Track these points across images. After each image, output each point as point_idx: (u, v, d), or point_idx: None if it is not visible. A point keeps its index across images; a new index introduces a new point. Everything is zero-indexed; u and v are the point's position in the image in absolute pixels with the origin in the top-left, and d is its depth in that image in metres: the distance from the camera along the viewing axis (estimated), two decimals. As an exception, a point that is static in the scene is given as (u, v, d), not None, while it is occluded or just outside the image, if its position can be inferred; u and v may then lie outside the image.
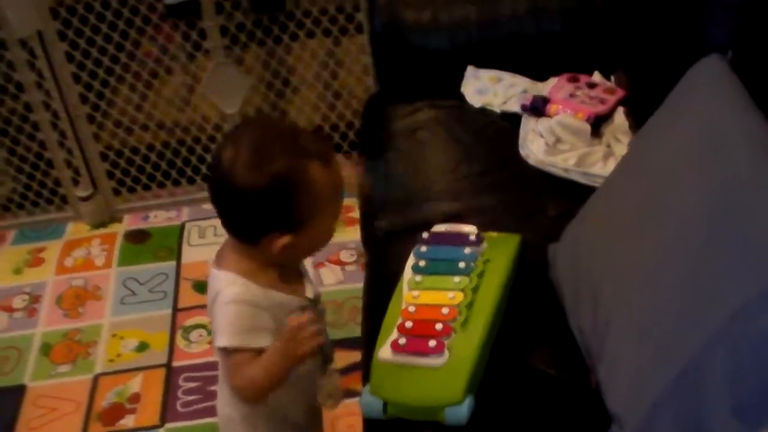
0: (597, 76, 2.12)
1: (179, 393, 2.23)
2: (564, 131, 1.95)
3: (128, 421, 2.18)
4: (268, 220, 1.32)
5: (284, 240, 1.33)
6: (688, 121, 1.36)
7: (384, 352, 1.43)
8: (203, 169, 2.82)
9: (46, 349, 2.41)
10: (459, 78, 2.23)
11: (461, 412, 1.35)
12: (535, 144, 1.96)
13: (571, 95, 2.03)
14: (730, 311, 1.05)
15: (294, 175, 1.30)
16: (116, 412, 2.20)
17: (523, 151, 1.98)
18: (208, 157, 2.75)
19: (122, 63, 2.63)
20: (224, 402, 1.54)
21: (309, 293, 1.45)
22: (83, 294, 2.58)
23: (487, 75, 2.19)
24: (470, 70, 2.21)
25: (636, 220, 1.34)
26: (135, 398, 2.23)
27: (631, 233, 1.33)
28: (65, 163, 2.77)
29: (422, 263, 1.56)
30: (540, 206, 1.83)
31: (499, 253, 1.57)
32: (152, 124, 2.79)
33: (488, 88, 2.17)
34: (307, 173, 1.30)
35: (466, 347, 1.40)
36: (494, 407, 1.40)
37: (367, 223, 1.95)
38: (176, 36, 2.67)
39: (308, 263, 1.78)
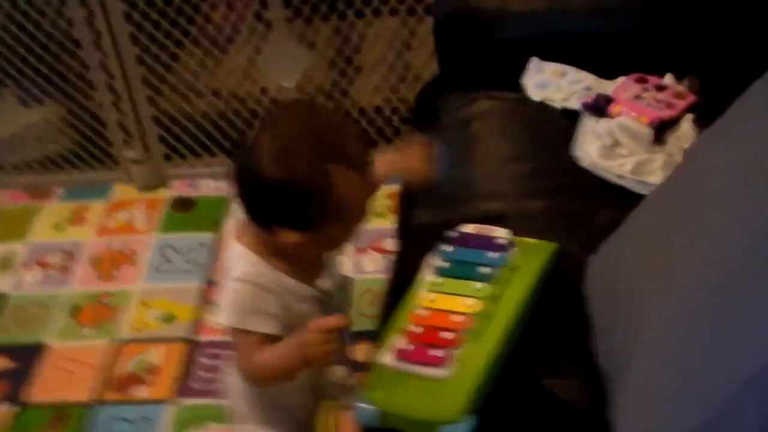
0: (668, 79, 1.95)
1: (198, 369, 2.16)
2: (624, 134, 1.80)
3: (142, 391, 2.12)
4: (280, 214, 1.26)
5: (294, 237, 1.26)
6: (741, 140, 1.20)
7: (387, 356, 1.32)
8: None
9: (75, 311, 2.37)
10: (522, 70, 2.08)
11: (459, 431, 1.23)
12: (591, 145, 1.82)
13: (637, 97, 1.88)
14: (764, 360, 0.91)
15: (314, 177, 1.22)
16: (132, 381, 2.15)
17: (577, 153, 1.83)
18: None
19: (182, 27, 2.54)
20: (232, 387, 1.48)
21: (324, 284, 1.37)
22: (119, 258, 2.53)
23: (551, 68, 2.04)
24: (534, 62, 2.06)
25: (673, 243, 1.20)
26: (153, 369, 2.17)
27: (667, 258, 1.19)
28: (118, 124, 2.71)
29: (444, 264, 1.44)
30: (588, 214, 1.68)
31: (529, 261, 1.44)
32: (209, 91, 2.70)
33: (550, 82, 2.02)
34: (330, 177, 1.22)
35: (474, 362, 1.28)
36: (498, 430, 1.27)
37: (404, 213, 1.83)
38: (238, 4, 2.57)
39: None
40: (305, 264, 1.35)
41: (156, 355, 2.20)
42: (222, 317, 1.31)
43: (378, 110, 2.67)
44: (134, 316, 2.33)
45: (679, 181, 1.37)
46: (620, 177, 1.74)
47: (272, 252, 1.31)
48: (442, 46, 2.21)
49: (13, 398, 2.15)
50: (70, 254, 2.56)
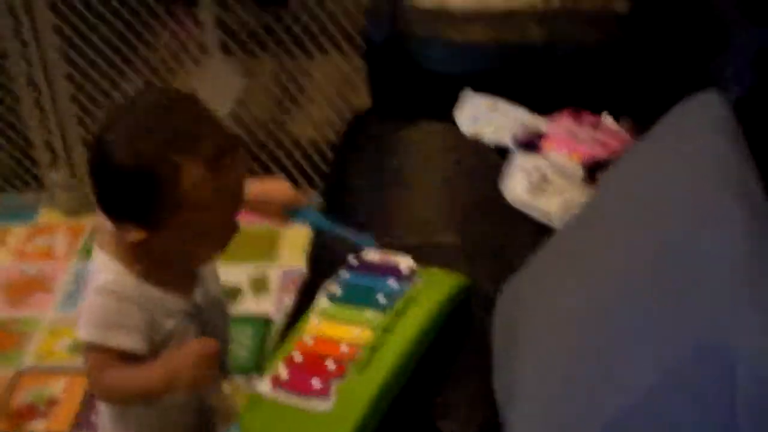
0: (605, 118, 1.86)
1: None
2: (553, 171, 1.70)
3: (38, 424, 1.98)
4: (126, 205, 1.14)
5: (137, 235, 1.14)
6: (657, 161, 1.11)
7: (263, 385, 1.19)
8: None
9: (-24, 336, 2.21)
10: (456, 102, 1.99)
11: (335, 472, 1.11)
12: (518, 181, 1.72)
13: (571, 133, 1.79)
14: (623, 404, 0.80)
15: (163, 168, 1.10)
16: (29, 413, 2.01)
17: (502, 188, 1.73)
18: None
19: (113, 44, 2.45)
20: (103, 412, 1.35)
21: (198, 297, 1.25)
22: (34, 284, 2.40)
23: (484, 101, 1.95)
24: (467, 94, 1.97)
25: (569, 271, 1.10)
26: (52, 402, 2.02)
27: (554, 289, 1.09)
28: (44, 144, 2.59)
29: (338, 291, 1.32)
30: (511, 251, 1.57)
31: (431, 293, 1.33)
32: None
33: (483, 116, 1.93)
34: (180, 172, 1.10)
35: (358, 395, 1.16)
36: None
37: (316, 242, 1.72)
38: (181, 31, 2.48)
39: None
40: (174, 273, 1.22)
41: (57, 386, 2.06)
42: (80, 332, 1.18)
43: (313, 143, 2.57)
44: (41, 345, 2.19)
45: (588, 209, 1.27)
46: (547, 215, 1.64)
47: (137, 259, 1.19)
48: (374, 76, 2.11)
49: None
50: (-11, 280, 2.42)
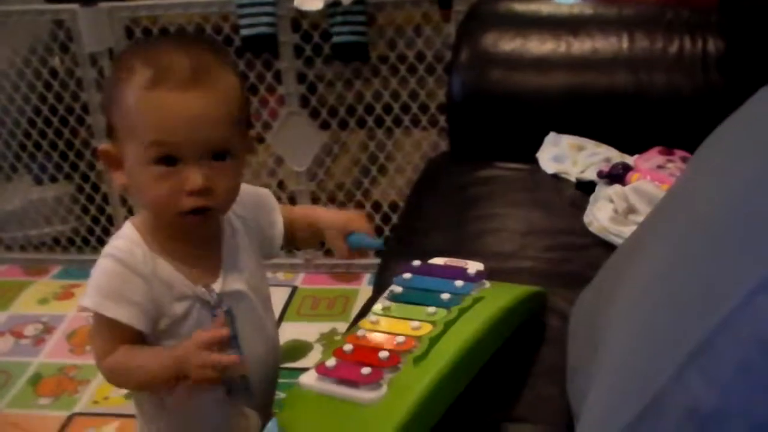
0: (698, 156, 1.73)
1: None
2: (639, 199, 1.58)
3: (84, 466, 1.86)
4: (105, 109, 1.12)
5: (108, 146, 1.09)
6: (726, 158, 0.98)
7: (307, 376, 1.07)
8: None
9: (35, 379, 2.16)
10: (538, 146, 1.90)
11: (382, 467, 0.97)
12: (602, 210, 1.59)
13: (660, 167, 1.67)
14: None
15: (122, 70, 1.06)
16: (76, 455, 1.89)
17: (586, 218, 1.61)
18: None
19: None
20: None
21: (218, 286, 1.13)
22: (98, 334, 2.31)
23: (568, 141, 1.85)
24: (551, 136, 1.88)
25: (636, 262, 0.97)
26: (102, 445, 1.92)
27: (628, 278, 0.96)
28: (121, 200, 2.56)
29: (398, 290, 1.21)
30: (588, 277, 1.44)
31: (500, 294, 1.21)
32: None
33: (567, 156, 1.83)
34: (123, 81, 1.05)
35: (412, 386, 1.03)
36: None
37: (384, 265, 1.61)
38: (271, 101, 2.45)
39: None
40: (190, 252, 1.12)
41: (109, 430, 1.97)
42: (83, 298, 1.09)
43: (393, 206, 2.48)
44: (97, 391, 2.10)
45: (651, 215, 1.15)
46: (630, 242, 1.50)
47: (156, 225, 1.10)
48: (454, 122, 2.03)
49: (-55, 461, 1.92)
50: (48, 327, 2.39)
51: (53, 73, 2.53)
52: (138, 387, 1.16)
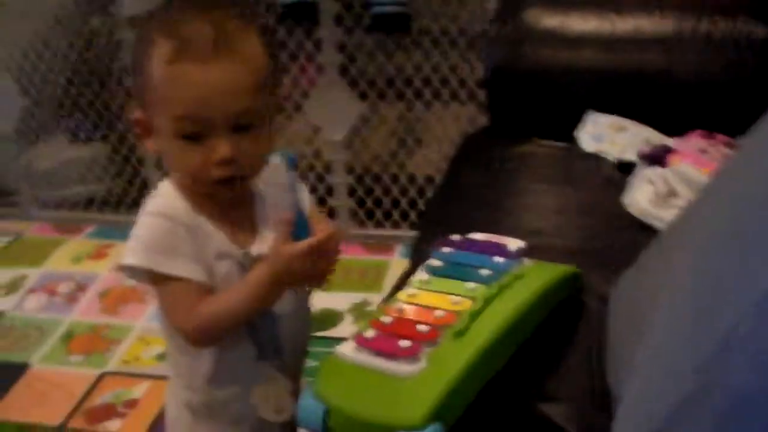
0: (740, 141, 1.71)
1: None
2: (681, 183, 1.56)
3: (114, 424, 1.90)
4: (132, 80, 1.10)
5: (139, 114, 1.08)
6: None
7: (345, 347, 1.08)
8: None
9: (67, 337, 2.19)
10: (577, 124, 1.88)
11: (418, 441, 0.97)
12: (642, 192, 1.58)
13: (702, 150, 1.65)
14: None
15: (139, 45, 1.06)
16: (106, 412, 1.93)
17: (626, 199, 1.60)
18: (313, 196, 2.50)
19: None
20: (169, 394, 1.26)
21: (255, 250, 1.12)
22: (130, 294, 2.34)
23: (608, 121, 1.83)
24: (591, 114, 1.86)
25: (683, 243, 0.96)
26: (131, 404, 1.95)
27: (674, 267, 0.95)
28: (155, 164, 2.57)
29: (438, 263, 1.20)
30: (626, 258, 1.43)
31: (540, 272, 1.20)
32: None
33: (607, 135, 1.81)
34: (146, 53, 1.04)
35: (451, 361, 1.03)
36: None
37: (422, 236, 1.61)
38: (309, 69, 2.44)
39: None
40: (225, 213, 1.11)
41: (139, 390, 1.98)
42: (128, 257, 1.06)
43: (428, 179, 2.48)
44: (128, 351, 2.12)
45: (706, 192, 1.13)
46: (670, 226, 1.49)
47: (191, 190, 1.09)
48: (493, 99, 2.02)
49: (-24, 411, 1.95)
50: (81, 285, 2.41)
51: (93, 33, 2.53)
52: (236, 326, 1.11)
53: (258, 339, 1.14)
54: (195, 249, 1.07)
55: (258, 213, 1.15)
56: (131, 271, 1.08)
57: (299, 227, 1.08)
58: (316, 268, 1.08)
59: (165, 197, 1.10)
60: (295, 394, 1.22)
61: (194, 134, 1.03)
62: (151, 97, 1.04)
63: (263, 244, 1.12)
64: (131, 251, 1.07)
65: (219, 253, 1.10)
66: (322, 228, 1.08)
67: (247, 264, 1.11)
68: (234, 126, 1.03)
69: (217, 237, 1.09)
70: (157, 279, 1.08)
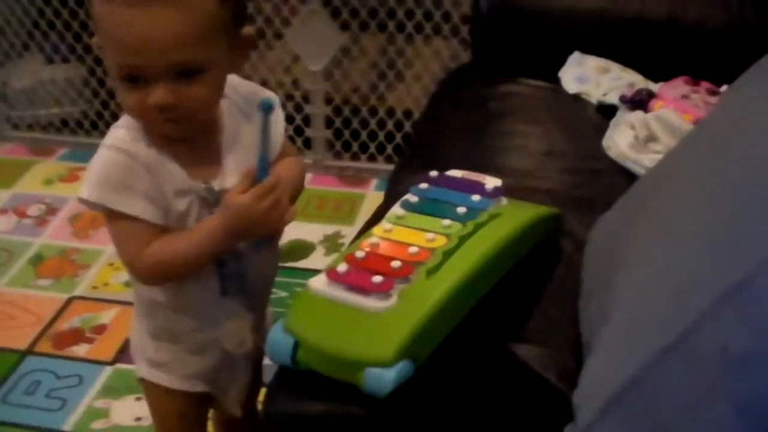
0: (725, 89, 1.69)
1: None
2: (661, 128, 1.54)
3: (81, 349, 1.88)
4: None
5: (97, 40, 1.04)
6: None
7: (317, 280, 1.06)
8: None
9: (36, 260, 2.16)
10: (562, 65, 1.85)
11: (385, 378, 0.96)
12: (622, 136, 1.57)
13: (684, 96, 1.63)
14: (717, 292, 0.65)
15: None
16: (73, 337, 1.92)
17: (605, 143, 1.58)
18: (290, 126, 2.48)
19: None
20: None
21: (217, 184, 1.09)
22: (101, 219, 2.28)
23: (593, 62, 1.81)
24: (575, 55, 1.84)
25: (665, 193, 0.95)
26: (99, 329, 1.93)
27: (648, 214, 0.94)
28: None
29: (414, 199, 1.18)
30: (604, 201, 1.41)
31: (517, 212, 1.19)
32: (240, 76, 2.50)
33: (590, 77, 1.79)
34: None
35: (422, 298, 1.02)
36: (438, 388, 1.00)
37: (396, 174, 1.59)
38: None
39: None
40: (184, 148, 1.07)
41: (107, 316, 1.97)
42: (83, 191, 1.04)
43: (407, 114, 2.45)
44: (97, 276, 2.10)
45: (689, 140, 1.12)
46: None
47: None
48: (478, 35, 1.98)
49: (-59, 333, 1.93)
50: (52, 208, 2.37)
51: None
52: (186, 272, 1.10)
53: (223, 275, 1.12)
54: (152, 187, 1.04)
55: (223, 145, 1.11)
56: (86, 203, 1.05)
57: (261, 173, 1.05)
58: (268, 218, 1.05)
59: (126, 130, 1.06)
60: (257, 328, 1.21)
61: (132, 78, 0.99)
62: (97, 34, 1.01)
63: (226, 177, 1.09)
64: (87, 185, 1.04)
65: (178, 191, 1.06)
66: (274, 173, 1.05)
67: (210, 198, 1.09)
68: (177, 72, 0.99)
69: (176, 173, 1.06)
70: (110, 215, 1.05)
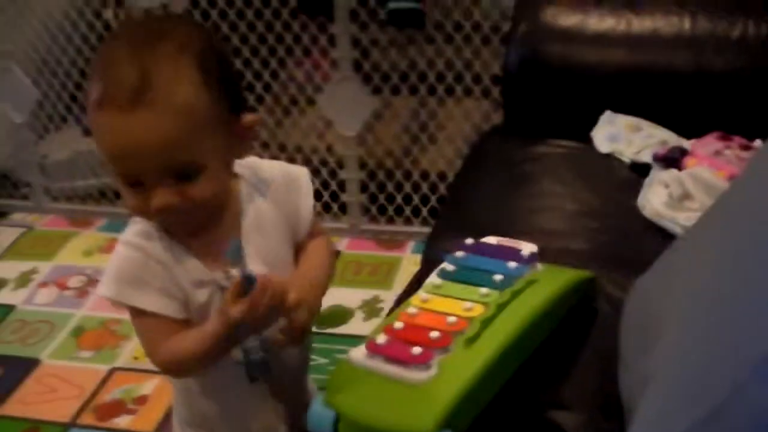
0: (758, 144, 1.70)
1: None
2: (696, 186, 1.54)
3: (123, 420, 1.90)
4: None
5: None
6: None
7: (356, 352, 1.06)
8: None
9: (77, 331, 2.19)
10: (592, 124, 1.86)
11: (428, 449, 0.96)
12: (656, 195, 1.57)
13: (717, 153, 1.63)
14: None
15: (90, 83, 0.99)
16: (115, 408, 1.93)
17: (640, 202, 1.58)
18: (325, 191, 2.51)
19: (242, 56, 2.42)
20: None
21: (234, 272, 1.05)
22: (141, 289, 2.32)
23: (624, 121, 1.81)
24: (607, 114, 1.85)
25: (692, 260, 0.95)
26: (141, 400, 1.94)
27: (692, 275, 0.94)
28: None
29: (451, 268, 1.19)
30: (642, 262, 1.41)
31: (553, 277, 1.19)
32: (274, 144, 2.54)
33: (622, 136, 1.79)
34: (89, 83, 0.99)
35: (462, 369, 1.02)
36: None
37: (432, 240, 1.60)
38: (322, 63, 2.42)
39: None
40: (197, 238, 1.06)
41: (148, 386, 1.98)
42: (101, 287, 1.05)
43: (441, 176, 2.46)
44: (138, 346, 2.11)
45: (723, 205, 1.12)
46: (685, 229, 1.47)
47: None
48: (510, 95, 2.00)
49: (-15, 407, 1.95)
50: (92, 280, 2.40)
51: (107, 26, 2.53)
52: (202, 367, 1.09)
53: (248, 361, 1.11)
54: (168, 281, 1.04)
55: (244, 229, 1.09)
56: (107, 299, 1.06)
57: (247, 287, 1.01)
58: (265, 319, 1.02)
59: (141, 225, 1.05)
60: (288, 416, 1.20)
61: (131, 182, 0.98)
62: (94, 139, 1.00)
63: (248, 263, 1.05)
64: (104, 281, 1.05)
65: (196, 282, 1.06)
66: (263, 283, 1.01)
67: (219, 286, 1.07)
68: (175, 174, 0.98)
69: (192, 266, 1.05)
70: (129, 309, 1.06)
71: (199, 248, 1.06)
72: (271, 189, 1.13)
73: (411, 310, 1.11)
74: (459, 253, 1.23)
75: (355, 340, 1.05)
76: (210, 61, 1.01)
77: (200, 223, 1.06)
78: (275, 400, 1.18)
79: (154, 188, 0.97)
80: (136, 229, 1.06)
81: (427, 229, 1.93)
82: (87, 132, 2.70)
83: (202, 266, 1.06)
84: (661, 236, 1.50)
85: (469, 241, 1.26)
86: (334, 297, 2.20)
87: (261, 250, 1.10)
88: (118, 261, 1.04)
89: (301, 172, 1.17)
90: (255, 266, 1.05)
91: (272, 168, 1.15)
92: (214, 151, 1.01)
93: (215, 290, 1.07)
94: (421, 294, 1.15)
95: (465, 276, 1.17)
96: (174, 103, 0.95)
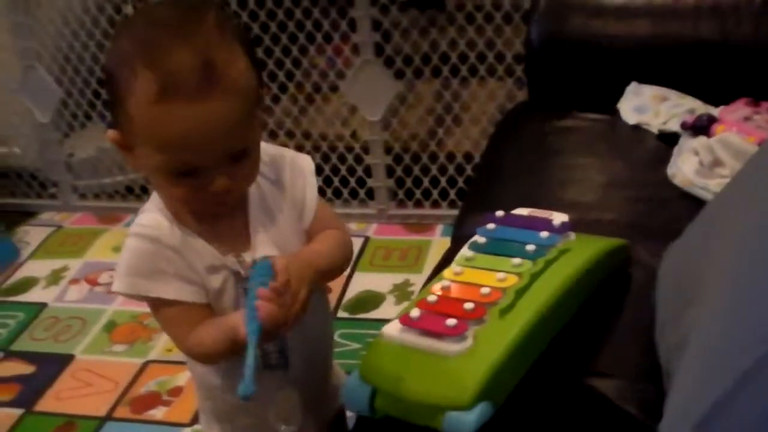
0: (788, 108, 1.67)
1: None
2: (726, 152, 1.52)
3: (158, 412, 1.90)
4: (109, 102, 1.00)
5: (114, 135, 0.99)
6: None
7: (391, 327, 1.06)
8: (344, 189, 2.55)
9: (110, 326, 2.19)
10: (618, 96, 1.84)
11: (465, 421, 0.95)
12: (686, 163, 1.55)
13: (746, 118, 1.61)
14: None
15: (117, 68, 0.95)
16: (150, 400, 1.93)
17: (670, 171, 1.56)
18: (351, 177, 2.50)
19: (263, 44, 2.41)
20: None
21: (249, 255, 1.05)
22: (171, 281, 2.33)
23: (650, 92, 1.79)
24: (633, 86, 1.82)
25: (736, 222, 0.93)
26: (175, 392, 1.95)
27: (729, 236, 0.92)
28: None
29: (482, 240, 1.18)
30: (674, 232, 1.39)
31: (586, 246, 1.18)
32: (300, 132, 2.53)
33: (649, 106, 1.77)
34: (126, 83, 0.93)
35: (498, 339, 1.01)
36: (519, 428, 0.99)
37: (461, 219, 1.59)
38: (345, 50, 2.41)
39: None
40: (211, 225, 1.04)
41: (182, 378, 1.98)
42: (115, 283, 1.03)
43: (467, 157, 2.44)
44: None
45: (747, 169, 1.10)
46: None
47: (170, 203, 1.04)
48: (533, 73, 1.98)
49: (22, 403, 1.97)
50: (122, 275, 2.39)
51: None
52: (225, 356, 1.04)
53: (263, 348, 1.09)
54: (183, 266, 1.02)
55: (251, 215, 1.08)
56: (121, 294, 1.04)
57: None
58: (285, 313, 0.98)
59: (151, 214, 1.04)
60: (308, 405, 1.18)
61: (185, 171, 0.95)
62: (134, 131, 0.95)
63: (258, 248, 1.06)
64: (117, 276, 1.03)
65: (209, 267, 1.04)
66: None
67: (244, 272, 1.05)
68: (228, 158, 0.96)
69: (206, 251, 1.04)
70: (149, 302, 1.05)
71: (207, 233, 1.04)
72: (275, 171, 1.12)
73: (444, 283, 1.10)
74: (490, 225, 1.21)
75: (387, 323, 1.03)
76: (244, 35, 1.00)
77: (228, 208, 1.05)
78: (292, 388, 1.16)
79: (210, 174, 0.96)
80: (143, 219, 1.04)
81: (455, 212, 1.92)
82: (111, 127, 2.70)
83: (213, 250, 1.04)
84: (693, 203, 1.48)
85: (500, 213, 1.24)
86: (365, 282, 2.20)
87: (269, 235, 1.08)
88: (128, 254, 1.02)
89: (305, 160, 1.15)
90: (265, 248, 1.05)
91: (277, 151, 1.14)
92: (257, 131, 1.01)
93: (228, 276, 1.05)
94: (453, 267, 1.13)
95: (497, 247, 1.16)
96: (237, 86, 0.94)
